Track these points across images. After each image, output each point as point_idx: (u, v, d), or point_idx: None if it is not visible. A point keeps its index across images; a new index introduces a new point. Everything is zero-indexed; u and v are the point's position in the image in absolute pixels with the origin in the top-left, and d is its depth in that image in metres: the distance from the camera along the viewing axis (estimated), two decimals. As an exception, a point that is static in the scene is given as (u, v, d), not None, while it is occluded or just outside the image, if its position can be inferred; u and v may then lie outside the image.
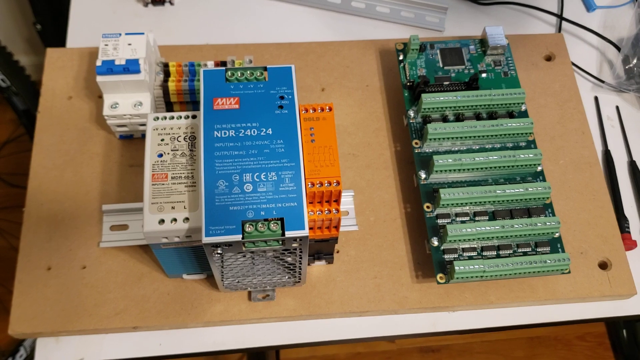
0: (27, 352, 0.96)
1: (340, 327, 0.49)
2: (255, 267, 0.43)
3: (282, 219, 0.38)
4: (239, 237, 0.37)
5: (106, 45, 0.50)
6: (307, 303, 0.48)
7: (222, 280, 0.45)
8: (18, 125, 1.23)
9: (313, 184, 0.39)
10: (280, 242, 0.39)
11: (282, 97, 0.42)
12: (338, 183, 0.40)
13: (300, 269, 0.44)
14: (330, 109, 0.42)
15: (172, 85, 0.51)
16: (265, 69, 0.43)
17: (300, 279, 0.46)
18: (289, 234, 0.38)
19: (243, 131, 0.40)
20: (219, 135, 0.40)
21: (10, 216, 1.13)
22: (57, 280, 0.48)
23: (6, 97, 1.10)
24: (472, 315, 0.50)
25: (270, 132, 0.40)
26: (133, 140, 0.54)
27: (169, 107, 0.53)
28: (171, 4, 0.63)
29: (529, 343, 1.09)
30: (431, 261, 0.48)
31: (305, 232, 0.38)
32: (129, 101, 0.50)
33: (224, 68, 0.42)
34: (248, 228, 0.37)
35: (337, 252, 0.50)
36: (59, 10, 0.95)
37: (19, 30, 1.14)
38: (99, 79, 0.49)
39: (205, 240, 0.37)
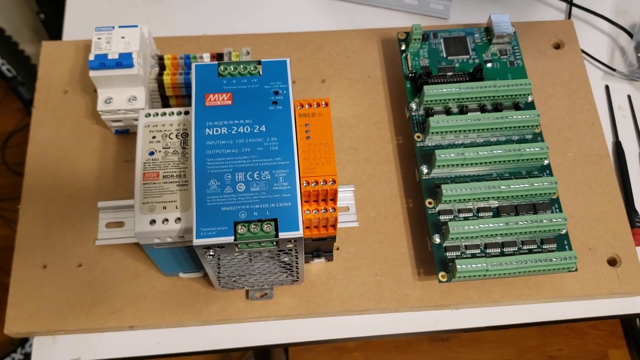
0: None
1: (340, 326, 0.48)
2: (252, 266, 0.42)
3: (275, 220, 0.37)
4: (231, 239, 0.36)
5: (99, 38, 0.48)
6: (306, 301, 0.47)
7: (218, 280, 0.44)
8: (25, 115, 1.23)
9: (308, 183, 0.38)
10: (275, 243, 0.37)
11: (276, 92, 0.40)
12: (334, 182, 0.38)
13: (298, 268, 0.43)
14: (326, 104, 0.41)
15: (167, 78, 0.50)
16: (259, 62, 0.41)
17: (298, 277, 0.45)
18: (282, 235, 0.36)
19: (236, 128, 0.39)
20: (211, 132, 0.39)
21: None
22: (53, 279, 0.48)
23: (12, 87, 1.09)
24: (476, 312, 0.49)
25: (264, 129, 0.39)
26: (129, 135, 0.53)
27: (165, 101, 0.51)
28: (168, -7, 0.62)
29: (541, 332, 1.07)
30: (433, 258, 0.46)
31: (299, 234, 0.37)
32: (123, 96, 0.49)
33: (216, 62, 0.41)
34: (240, 229, 0.36)
35: (337, 249, 0.49)
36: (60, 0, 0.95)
37: (24, 18, 1.13)
38: (92, 73, 0.47)
39: (196, 242, 0.36)
